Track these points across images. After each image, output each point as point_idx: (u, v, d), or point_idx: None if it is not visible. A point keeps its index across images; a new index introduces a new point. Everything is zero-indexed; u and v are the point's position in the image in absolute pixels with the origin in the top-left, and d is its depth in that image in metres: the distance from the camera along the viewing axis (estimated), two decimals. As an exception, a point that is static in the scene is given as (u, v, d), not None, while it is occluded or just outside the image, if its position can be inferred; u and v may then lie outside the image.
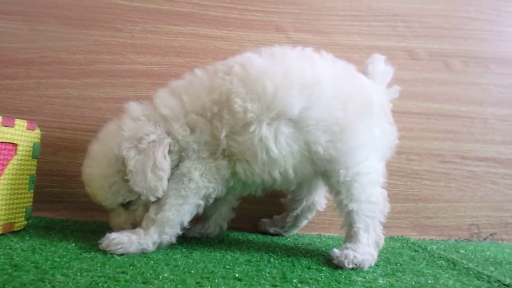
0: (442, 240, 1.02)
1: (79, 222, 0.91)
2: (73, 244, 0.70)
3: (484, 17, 1.08)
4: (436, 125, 1.05)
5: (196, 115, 0.72)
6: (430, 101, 1.06)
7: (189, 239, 0.82)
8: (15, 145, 0.75)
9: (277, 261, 0.69)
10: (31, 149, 0.79)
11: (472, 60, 1.07)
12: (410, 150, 1.04)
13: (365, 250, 0.69)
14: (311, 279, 0.59)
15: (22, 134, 0.77)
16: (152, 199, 0.69)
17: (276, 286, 0.54)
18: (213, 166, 0.72)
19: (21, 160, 0.77)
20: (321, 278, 0.60)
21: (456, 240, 1.01)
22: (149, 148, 0.68)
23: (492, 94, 1.07)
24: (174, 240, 0.72)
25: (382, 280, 0.60)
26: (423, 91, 1.06)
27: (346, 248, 0.69)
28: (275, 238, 0.91)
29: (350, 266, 0.66)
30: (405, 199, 1.03)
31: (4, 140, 0.72)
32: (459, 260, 0.76)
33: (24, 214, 0.79)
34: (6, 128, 0.73)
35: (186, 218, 0.72)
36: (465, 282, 0.62)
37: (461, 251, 0.86)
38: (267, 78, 0.70)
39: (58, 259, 0.60)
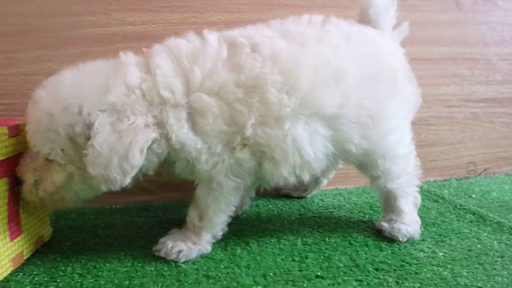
0: (444, 180, 1.16)
1: (92, 212, 0.91)
2: (123, 253, 0.72)
3: None
4: (444, 70, 1.12)
5: (208, 96, 0.64)
6: (439, 44, 1.11)
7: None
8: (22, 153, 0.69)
9: (332, 240, 0.76)
10: (40, 151, 0.73)
11: (483, -5, 1.12)
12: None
13: (411, 219, 0.78)
14: (380, 262, 0.68)
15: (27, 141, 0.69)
16: (103, 188, 0.62)
17: (360, 280, 0.62)
18: (233, 162, 0.66)
19: (34, 167, 0.71)
20: (388, 260, 0.69)
21: (456, 179, 1.17)
22: (128, 132, 0.60)
23: (497, 33, 1.14)
24: (226, 228, 0.75)
25: (440, 252, 0.71)
26: (433, 34, 1.10)
27: (393, 221, 0.78)
28: (302, 202, 0.99)
29: (405, 239, 0.75)
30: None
31: (15, 153, 0.66)
32: (481, 210, 0.90)
33: (49, 221, 0.77)
34: (13, 138, 0.66)
35: (231, 213, 0.74)
36: (508, 243, 0.74)
37: (473, 196, 1.01)
38: (302, 70, 0.65)
39: (134, 282, 0.62)
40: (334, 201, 0.99)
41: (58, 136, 0.61)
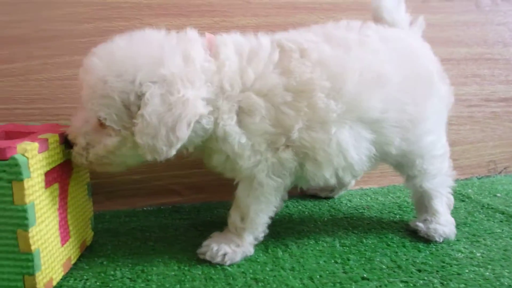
0: (466, 179, 1.18)
1: (126, 215, 0.92)
2: (167, 256, 0.73)
3: None
4: (465, 70, 1.14)
5: (258, 96, 0.66)
6: (460, 45, 1.12)
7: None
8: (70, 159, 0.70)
9: (369, 241, 0.78)
10: (83, 157, 0.74)
11: (501, -4, 1.13)
12: (442, 98, 1.13)
13: (446, 219, 0.79)
14: (421, 263, 0.69)
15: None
16: (148, 158, 0.62)
17: (406, 282, 0.64)
18: (275, 161, 0.68)
19: (78, 171, 0.72)
20: (429, 260, 0.70)
21: (477, 177, 1.18)
22: (177, 105, 0.60)
23: (516, 33, 1.16)
24: (267, 230, 0.75)
25: (478, 252, 0.73)
26: (454, 35, 1.12)
27: (429, 221, 0.79)
28: (330, 202, 1.00)
29: (441, 240, 0.77)
30: (435, 146, 1.16)
31: (63, 160, 0.67)
32: (509, 210, 0.92)
33: (90, 225, 0.78)
34: (63, 145, 0.67)
35: (272, 213, 0.75)
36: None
37: (498, 195, 1.03)
38: (348, 75, 0.67)
39: (185, 286, 0.63)
40: (362, 201, 1.01)
41: (113, 101, 0.62)
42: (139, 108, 0.61)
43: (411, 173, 0.79)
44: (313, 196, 1.04)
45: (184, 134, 0.60)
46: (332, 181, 0.72)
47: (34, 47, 0.87)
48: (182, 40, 0.66)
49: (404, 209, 0.94)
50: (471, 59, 1.14)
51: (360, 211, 0.94)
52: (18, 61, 0.86)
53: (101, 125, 0.64)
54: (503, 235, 0.80)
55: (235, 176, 0.73)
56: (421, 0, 1.08)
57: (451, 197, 0.83)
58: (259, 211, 0.72)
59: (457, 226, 0.83)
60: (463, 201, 0.99)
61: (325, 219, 0.90)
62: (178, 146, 0.61)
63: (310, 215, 0.92)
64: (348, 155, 0.69)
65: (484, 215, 0.90)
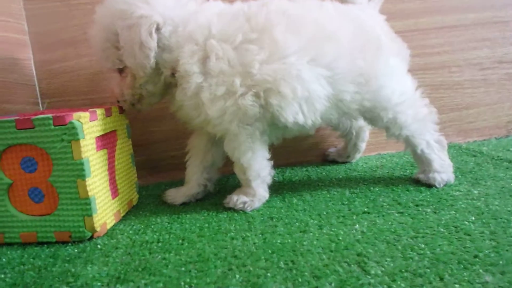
0: (484, 140, 1.23)
1: (166, 184, 1.05)
2: (198, 208, 0.87)
3: None
4: (474, 34, 1.20)
5: (217, 41, 0.75)
6: (467, 11, 1.18)
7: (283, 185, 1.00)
8: (115, 130, 0.86)
9: (376, 189, 0.88)
10: (126, 130, 0.91)
11: (506, -42, 1.19)
12: (452, 63, 1.20)
13: (442, 164, 0.86)
14: (420, 200, 0.78)
15: (118, 120, 0.87)
16: (141, 74, 0.78)
17: (402, 212, 0.73)
18: (236, 109, 0.76)
19: (122, 142, 0.88)
20: (428, 198, 0.79)
21: (496, 138, 1.23)
22: (136, 22, 0.74)
23: (524, -6, 1.20)
24: (273, 171, 0.86)
25: (475, 190, 0.81)
26: (460, 2, 1.18)
27: (427, 171, 0.87)
28: (347, 165, 1.10)
29: (441, 186, 0.85)
30: (450, 109, 1.22)
31: (110, 130, 0.83)
32: (517, 159, 0.98)
33: (135, 189, 0.94)
34: (108, 118, 0.83)
35: (266, 154, 0.84)
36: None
37: (511, 149, 1.08)
38: (306, 24, 0.78)
39: (213, 224, 0.77)
40: (377, 163, 1.10)
41: (109, 49, 0.79)
42: None
43: (383, 125, 0.86)
44: (332, 161, 1.15)
45: (150, 42, 0.75)
46: (300, 117, 0.78)
47: (82, 47, 1.05)
48: None
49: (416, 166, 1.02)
50: (479, 23, 1.20)
51: (374, 169, 1.04)
52: (69, 60, 1.05)
53: (120, 73, 0.83)
54: (505, 178, 0.86)
55: (215, 131, 0.82)
56: (426, -27, 1.16)
57: (442, 138, 0.89)
58: (249, 160, 0.81)
59: (463, 173, 0.91)
60: (474, 156, 1.06)
61: (340, 176, 1.00)
62: (152, 54, 0.75)
63: (327, 175, 1.03)
64: (309, 86, 0.76)
65: (491, 165, 0.96)
